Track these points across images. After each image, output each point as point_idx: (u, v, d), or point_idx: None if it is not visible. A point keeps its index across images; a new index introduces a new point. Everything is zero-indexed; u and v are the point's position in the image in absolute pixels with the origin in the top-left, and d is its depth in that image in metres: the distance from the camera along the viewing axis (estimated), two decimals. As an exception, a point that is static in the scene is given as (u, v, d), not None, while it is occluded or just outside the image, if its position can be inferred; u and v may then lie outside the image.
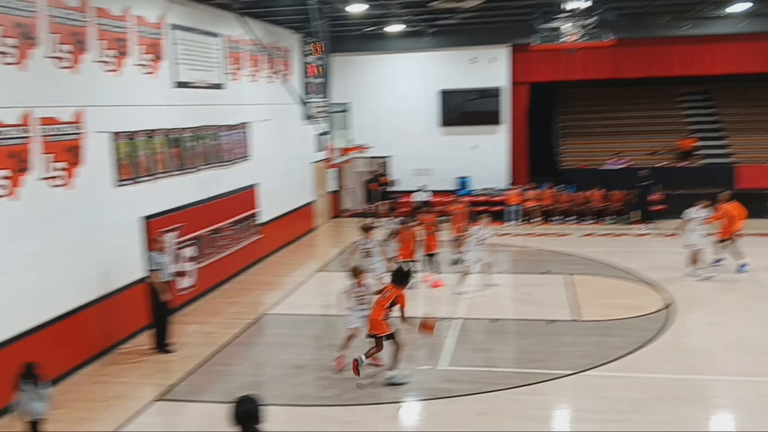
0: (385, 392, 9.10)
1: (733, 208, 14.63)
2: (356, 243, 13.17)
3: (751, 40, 21.01)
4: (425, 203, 20.88)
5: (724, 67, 21.60)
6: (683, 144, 22.42)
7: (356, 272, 10.00)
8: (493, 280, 13.99)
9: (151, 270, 10.77)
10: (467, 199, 22.12)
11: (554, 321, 11.75)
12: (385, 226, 14.65)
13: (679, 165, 21.96)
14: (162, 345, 10.96)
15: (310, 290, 14.62)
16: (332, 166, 16.52)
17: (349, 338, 10.01)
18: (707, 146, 22.60)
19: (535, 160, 23.67)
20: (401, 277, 9.37)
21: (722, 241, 14.52)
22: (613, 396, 8.69)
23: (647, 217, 20.22)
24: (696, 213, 14.37)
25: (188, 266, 13.37)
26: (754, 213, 19.76)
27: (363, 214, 23.00)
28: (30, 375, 7.38)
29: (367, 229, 12.90)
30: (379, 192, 23.19)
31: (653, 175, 20.44)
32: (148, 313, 11.27)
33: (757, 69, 21.53)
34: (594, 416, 8.19)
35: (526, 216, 21.41)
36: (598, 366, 9.70)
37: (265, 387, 9.66)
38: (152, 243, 11.09)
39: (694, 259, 14.23)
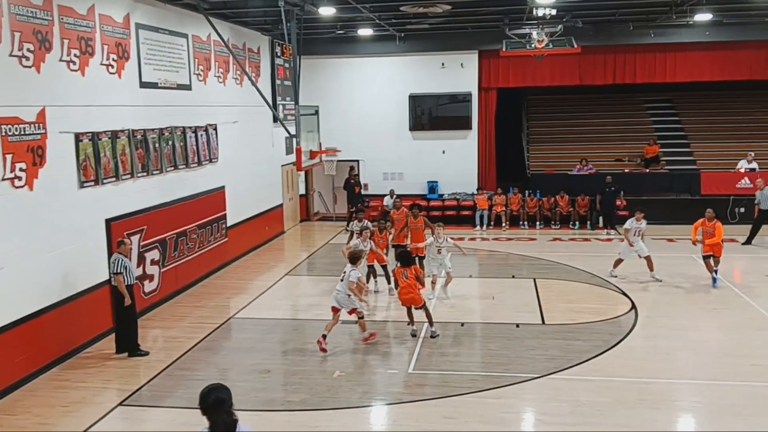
0: (350, 396, 9.08)
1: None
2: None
3: (712, 49, 21.50)
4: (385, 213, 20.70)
5: (687, 76, 22.06)
6: (649, 150, 22.81)
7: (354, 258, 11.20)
8: (447, 292, 13.73)
9: (116, 273, 10.60)
10: (436, 203, 22.32)
11: (521, 325, 11.84)
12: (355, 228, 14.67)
13: (644, 171, 22.33)
14: (134, 348, 10.80)
15: (277, 294, 14.52)
16: (301, 169, 16.45)
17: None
18: (671, 153, 23.03)
19: (503, 165, 23.89)
20: (406, 258, 11.73)
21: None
22: (577, 399, 8.78)
23: (612, 223, 20.51)
24: (635, 224, 14.75)
25: (152, 270, 13.20)
26: (718, 219, 20.29)
27: (334, 219, 22.98)
28: None
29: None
30: (350, 195, 23.16)
31: (618, 182, 20.76)
32: (112, 316, 11.11)
33: (719, 78, 22.02)
34: (557, 419, 8.27)
35: (494, 221, 21.57)
36: (563, 370, 9.80)
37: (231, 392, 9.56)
38: (117, 245, 10.92)
39: (650, 264, 14.53)
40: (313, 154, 18.30)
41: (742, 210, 20.44)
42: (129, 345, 10.81)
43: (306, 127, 19.88)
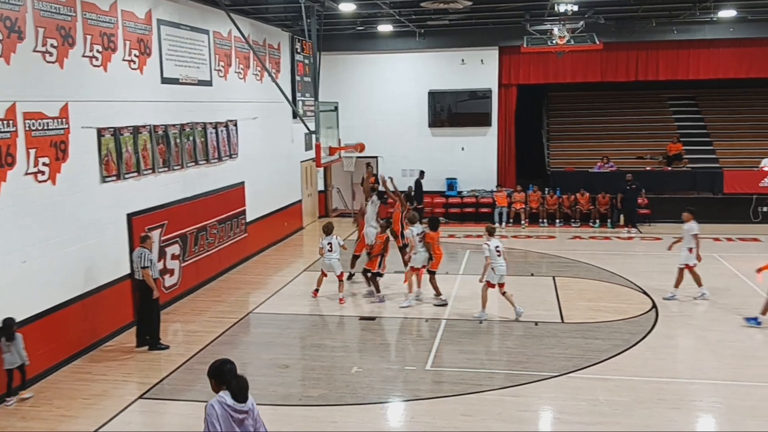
0: (368, 393, 9.10)
1: None
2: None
3: (736, 45, 21.22)
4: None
5: (710, 73, 21.78)
6: (672, 148, 22.56)
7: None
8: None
9: (143, 267, 10.69)
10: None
11: (540, 323, 11.80)
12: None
13: (666, 169, 22.11)
14: (155, 342, 10.89)
15: (296, 289, 14.57)
16: (321, 165, 16.48)
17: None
18: (693, 151, 22.77)
19: (523, 162, 23.76)
20: (435, 222, 13.45)
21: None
22: (595, 399, 8.73)
23: (633, 221, 20.34)
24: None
25: (173, 264, 13.31)
26: (739, 218, 20.09)
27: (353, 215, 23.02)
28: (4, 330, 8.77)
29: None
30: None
31: (639, 179, 20.58)
32: (137, 310, 11.20)
33: (743, 75, 21.73)
34: (576, 419, 8.23)
35: (513, 218, 21.48)
36: (582, 368, 9.75)
37: (249, 386, 9.63)
38: (141, 240, 11.02)
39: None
40: (332, 150, 18.29)
41: (766, 209, 20.18)
42: (150, 339, 10.91)
43: (325, 123, 19.88)
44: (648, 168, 22.23)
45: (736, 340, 10.91)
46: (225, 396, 5.34)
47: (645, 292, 13.54)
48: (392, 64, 22.97)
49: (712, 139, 23.40)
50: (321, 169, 22.46)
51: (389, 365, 10.11)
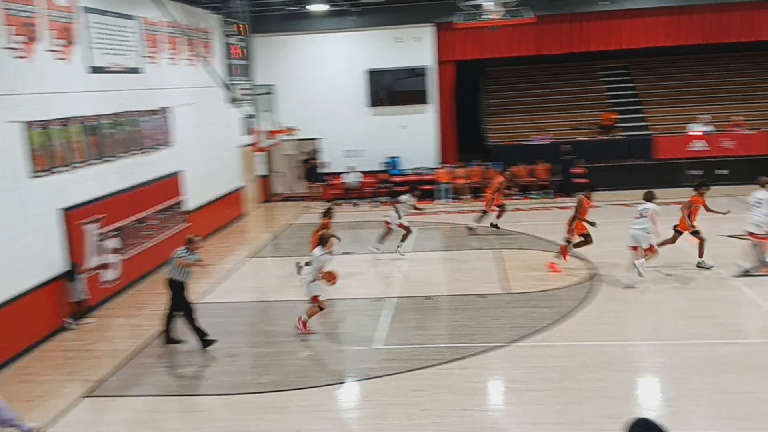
0: (320, 375, 9.11)
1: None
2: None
3: (665, 14, 21.75)
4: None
5: (640, 42, 22.26)
6: (605, 117, 23.06)
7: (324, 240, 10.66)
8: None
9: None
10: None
11: (485, 295, 11.97)
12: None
13: (600, 138, 22.60)
14: (171, 337, 10.57)
15: (242, 277, 14.42)
16: (259, 149, 16.28)
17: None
18: (626, 119, 23.33)
19: (464, 138, 23.94)
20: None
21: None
22: (542, 365, 8.94)
23: (570, 190, 20.76)
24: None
25: (112, 258, 12.97)
26: (671, 182, 20.72)
27: (298, 198, 22.89)
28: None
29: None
30: (311, 174, 23.07)
31: (576, 150, 21.00)
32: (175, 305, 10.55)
33: (671, 43, 22.28)
34: (524, 386, 8.42)
35: (456, 194, 21.69)
36: (527, 336, 9.96)
37: (199, 378, 9.55)
38: (188, 242, 10.63)
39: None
40: (271, 134, 18.11)
41: (695, 172, 20.87)
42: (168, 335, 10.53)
43: (263, 106, 19.65)
44: (582, 138, 22.66)
45: (675, 301, 11.29)
46: None
47: (586, 259, 13.86)
48: (328, 44, 22.76)
49: (643, 107, 24.02)
50: (263, 154, 22.19)
51: (339, 347, 10.12)
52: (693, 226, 12.87)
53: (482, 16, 17.46)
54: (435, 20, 22.11)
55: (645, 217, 12.20)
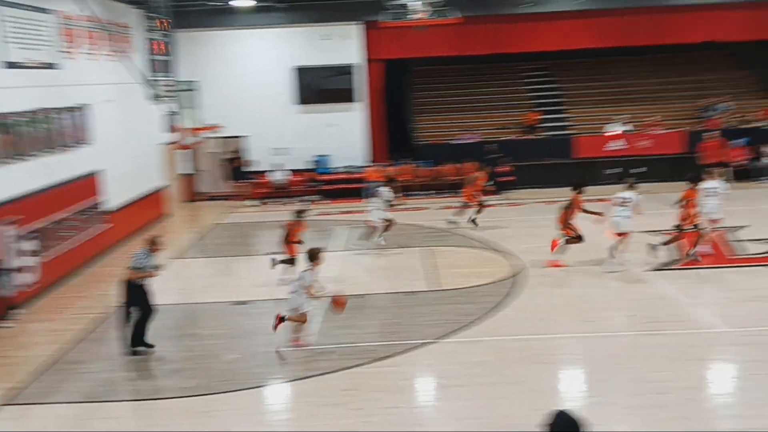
0: (247, 378, 8.99)
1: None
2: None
3: (584, 17, 22.44)
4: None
5: (561, 44, 22.91)
6: (529, 118, 23.63)
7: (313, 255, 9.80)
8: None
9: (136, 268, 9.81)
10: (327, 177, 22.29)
11: (414, 293, 12.08)
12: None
13: (524, 138, 23.14)
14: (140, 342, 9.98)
15: (166, 279, 13.99)
16: (182, 147, 15.92)
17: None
18: (548, 119, 23.98)
19: (393, 136, 24.07)
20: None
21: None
22: (468, 361, 9.09)
23: (497, 189, 21.18)
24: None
25: (31, 261, 12.45)
26: (590, 180, 21.40)
27: (223, 197, 22.51)
28: None
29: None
30: (237, 172, 22.71)
31: (501, 149, 21.46)
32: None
33: (591, 45, 23.01)
34: (450, 382, 8.55)
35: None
36: (455, 333, 10.11)
37: (122, 383, 9.27)
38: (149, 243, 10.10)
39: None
40: (194, 131, 17.73)
41: (612, 171, 21.64)
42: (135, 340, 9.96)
43: (186, 103, 19.23)
44: (508, 138, 23.12)
45: (594, 295, 11.70)
46: None
47: (512, 256, 14.17)
48: (254, 40, 22.47)
49: (564, 107, 24.73)
50: (186, 152, 21.72)
51: (267, 348, 10.01)
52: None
53: (409, 16, 17.61)
54: (362, 18, 22.13)
55: (626, 206, 12.72)
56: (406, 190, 21.72)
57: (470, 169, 18.84)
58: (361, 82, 22.73)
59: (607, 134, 22.34)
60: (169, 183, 20.67)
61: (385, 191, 15.83)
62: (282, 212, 20.49)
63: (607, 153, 22.03)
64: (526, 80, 25.85)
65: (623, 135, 22.11)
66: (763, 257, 13.08)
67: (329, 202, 21.57)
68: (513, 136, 23.21)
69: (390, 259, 14.67)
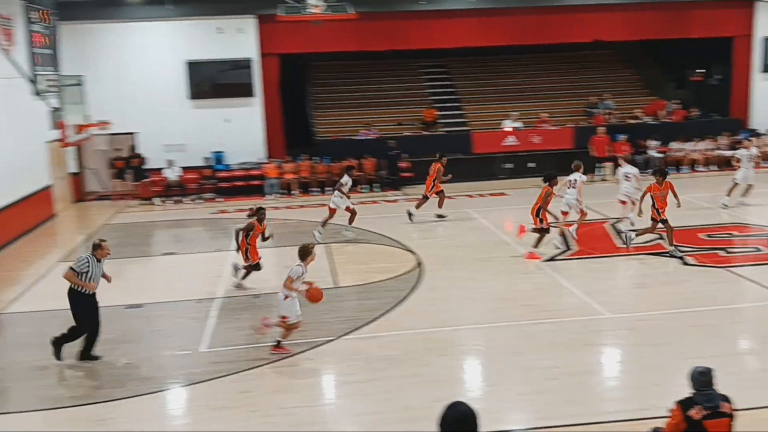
0: (140, 384, 8.63)
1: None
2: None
3: (478, 15, 22.98)
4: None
5: (456, 41, 23.37)
6: (427, 114, 23.96)
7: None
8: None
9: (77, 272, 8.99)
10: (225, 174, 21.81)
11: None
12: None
13: (423, 134, 23.45)
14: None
15: (53, 283, 13.30)
16: (68, 144, 15.14)
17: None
18: (446, 116, 24.42)
19: (292, 132, 23.82)
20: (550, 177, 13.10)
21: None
22: (370, 356, 9.11)
23: (397, 184, 21.39)
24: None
25: None
26: (488, 175, 22.03)
27: (113, 197, 21.60)
28: None
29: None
30: (131, 171, 21.81)
31: (401, 145, 21.65)
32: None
33: (485, 43, 23.61)
34: (351, 378, 8.55)
35: (285, 188, 21.57)
36: (356, 329, 10.10)
37: (8, 393, 8.71)
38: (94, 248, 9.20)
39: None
40: (80, 128, 16.85)
41: (509, 165, 22.32)
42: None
43: (72, 99, 18.28)
44: (407, 134, 23.40)
45: (490, 287, 11.98)
46: None
47: (410, 250, 14.33)
48: (145, 33, 21.63)
49: (461, 104, 25.26)
50: (73, 149, 20.66)
51: (161, 352, 9.67)
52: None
53: (304, 10, 17.48)
54: (257, 12, 21.77)
55: (575, 187, 14.09)
56: (303, 186, 21.59)
57: (369, 165, 18.95)
58: (257, 77, 22.33)
59: (504, 130, 22.97)
60: (55, 182, 19.59)
61: (347, 179, 15.73)
62: (175, 211, 20.01)
63: (503, 148, 22.64)
64: (424, 77, 26.23)
65: (514, 131, 22.79)
66: (645, 247, 13.81)
67: (224, 199, 21.10)
68: (411, 133, 23.44)
69: (289, 257, 14.45)
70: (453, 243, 14.91)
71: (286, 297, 9.09)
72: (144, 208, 20.60)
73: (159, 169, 21.35)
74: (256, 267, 12.20)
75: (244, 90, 22.18)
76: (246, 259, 12.10)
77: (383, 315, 10.64)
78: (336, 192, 15.71)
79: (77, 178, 21.69)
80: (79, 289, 9.08)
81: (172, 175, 21.29)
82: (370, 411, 7.71)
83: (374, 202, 20.26)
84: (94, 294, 9.15)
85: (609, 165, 21.41)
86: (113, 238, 16.22)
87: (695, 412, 5.19)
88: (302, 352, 9.34)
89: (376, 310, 10.85)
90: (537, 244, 13.34)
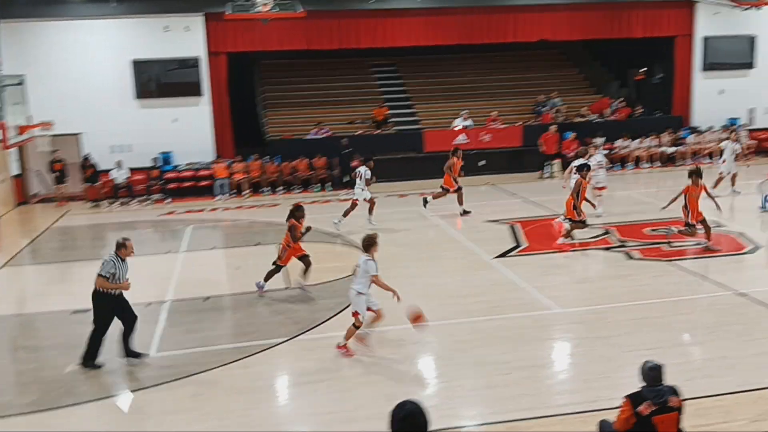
0: (88, 390, 8.43)
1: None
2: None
3: (426, 15, 23.12)
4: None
5: (405, 40, 23.45)
6: (378, 113, 24.00)
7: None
8: None
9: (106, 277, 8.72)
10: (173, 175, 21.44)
11: (267, 291, 11.88)
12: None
13: (374, 132, 23.49)
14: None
15: (-6, 288, 12.94)
16: (9, 146, 14.70)
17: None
18: (398, 114, 24.50)
19: (241, 132, 23.58)
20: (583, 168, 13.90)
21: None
22: (323, 356, 9.07)
23: (351, 184, 21.35)
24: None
25: None
26: (440, 173, 22.16)
27: (56, 199, 21.03)
28: None
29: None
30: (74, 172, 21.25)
31: (353, 144, 21.64)
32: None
33: (433, 42, 23.75)
34: (304, 379, 8.49)
35: (235, 189, 21.34)
36: (310, 329, 10.06)
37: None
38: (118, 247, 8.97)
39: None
40: (21, 129, 16.37)
41: (482, 162, 22.42)
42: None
43: (11, 99, 17.72)
44: (359, 132, 23.41)
45: (440, 284, 12.08)
46: None
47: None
48: (88, 31, 21.11)
49: (412, 102, 25.39)
50: (13, 151, 20.03)
51: (110, 357, 9.45)
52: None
53: (252, 8, 17.33)
54: (205, 10, 21.48)
55: (603, 167, 15.97)
56: (254, 186, 21.40)
57: (356, 164, 18.71)
58: (205, 76, 22.02)
59: (454, 128, 23.16)
60: (-4, 185, 19.01)
61: (364, 169, 15.97)
62: (123, 213, 19.60)
63: (455, 147, 22.78)
64: (374, 75, 26.28)
65: (464, 130, 23.00)
66: (592, 241, 14.11)
67: (173, 200, 20.77)
68: (364, 131, 23.45)
69: (242, 258, 14.35)
70: (405, 241, 14.97)
71: (360, 292, 8.96)
72: (91, 211, 20.13)
73: (106, 171, 20.87)
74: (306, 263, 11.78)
75: (191, 89, 21.86)
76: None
77: (335, 315, 10.60)
78: (357, 182, 16.07)
79: (19, 181, 21.05)
80: (107, 291, 8.88)
81: (119, 176, 20.84)
82: (324, 411, 7.68)
83: (326, 201, 20.20)
84: (121, 293, 9.00)
85: (557, 162, 21.81)
86: (57, 242, 15.91)
87: (644, 408, 5.33)
88: (255, 353, 9.25)
89: (329, 309, 10.82)
90: (568, 234, 13.92)
